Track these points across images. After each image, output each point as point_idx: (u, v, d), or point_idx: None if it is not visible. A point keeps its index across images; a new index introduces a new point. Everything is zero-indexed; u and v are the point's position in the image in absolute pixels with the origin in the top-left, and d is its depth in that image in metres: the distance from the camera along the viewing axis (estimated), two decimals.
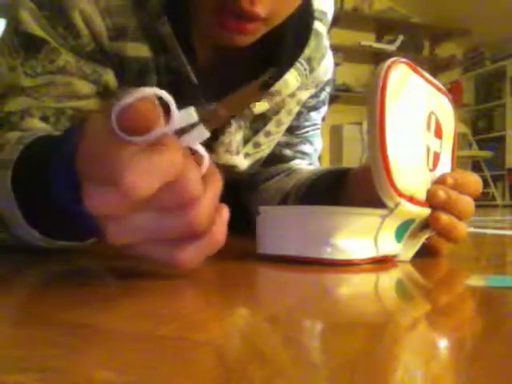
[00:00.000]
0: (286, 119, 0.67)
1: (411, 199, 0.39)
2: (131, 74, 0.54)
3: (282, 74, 0.60)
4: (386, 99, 0.37)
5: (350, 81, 4.66)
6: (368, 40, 4.69)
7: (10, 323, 0.22)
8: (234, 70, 0.59)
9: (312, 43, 0.61)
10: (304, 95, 0.67)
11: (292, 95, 0.64)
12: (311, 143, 0.75)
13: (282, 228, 0.40)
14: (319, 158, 0.80)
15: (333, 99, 4.53)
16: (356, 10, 4.61)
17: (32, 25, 0.49)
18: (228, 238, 0.30)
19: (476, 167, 4.47)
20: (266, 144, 0.66)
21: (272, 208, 0.44)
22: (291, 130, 0.71)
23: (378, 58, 4.75)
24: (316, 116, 0.74)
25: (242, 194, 0.74)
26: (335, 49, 4.59)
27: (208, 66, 0.58)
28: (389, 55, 4.61)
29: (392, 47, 4.70)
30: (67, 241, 0.41)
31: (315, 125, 0.75)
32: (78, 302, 0.26)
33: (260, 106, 0.61)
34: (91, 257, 0.43)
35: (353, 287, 0.33)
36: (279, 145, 0.70)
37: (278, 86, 0.60)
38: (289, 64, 0.60)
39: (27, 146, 0.40)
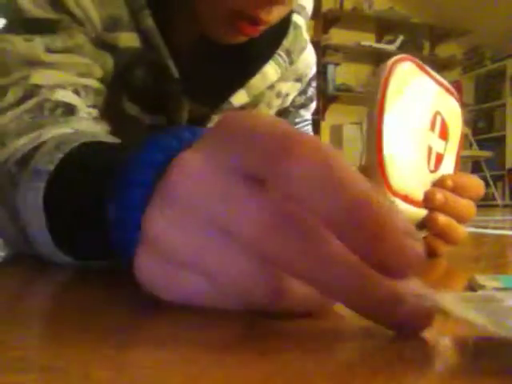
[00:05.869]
0: (266, 112, 0.66)
1: (406, 198, 0.38)
2: (120, 65, 0.53)
3: (260, 66, 0.59)
4: (387, 96, 0.37)
5: (350, 81, 4.67)
6: (368, 40, 4.70)
7: (9, 323, 0.22)
8: (215, 65, 0.59)
9: (290, 35, 0.62)
10: (284, 88, 0.66)
11: (271, 87, 0.63)
12: None
13: None
14: None
15: (333, 99, 4.53)
16: (356, 10, 4.61)
17: (38, 10, 0.47)
18: None
19: (476, 167, 4.47)
20: None
21: None
22: None
23: (378, 57, 4.75)
24: (305, 113, 0.75)
25: None
26: (335, 49, 4.61)
27: (190, 61, 0.57)
28: (389, 55, 4.61)
29: (392, 47, 4.70)
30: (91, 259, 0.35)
31: (306, 121, 0.75)
32: (77, 303, 0.26)
33: (239, 99, 0.60)
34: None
35: None
36: None
37: (256, 78, 0.60)
38: (267, 56, 0.60)
39: (68, 153, 0.34)
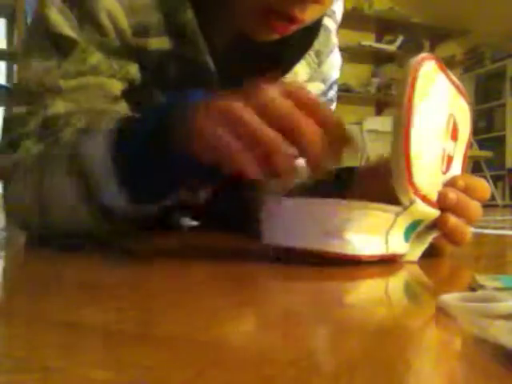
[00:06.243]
0: None
1: (424, 198, 0.39)
2: (151, 66, 0.55)
3: (292, 65, 0.62)
4: (415, 96, 0.37)
5: (350, 81, 4.66)
6: (368, 40, 4.69)
7: (10, 323, 0.22)
8: (249, 62, 0.60)
9: (321, 37, 0.64)
10: (312, 88, 0.68)
11: None
12: None
13: (290, 219, 0.40)
14: None
15: None
16: (356, 10, 4.60)
17: (62, 25, 0.50)
18: (228, 236, 0.30)
19: (476, 167, 4.47)
20: None
21: (281, 198, 0.42)
22: None
23: (377, 58, 4.74)
24: None
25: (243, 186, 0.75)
26: None
27: (225, 57, 0.59)
28: (389, 55, 4.62)
29: (392, 47, 4.70)
30: (150, 202, 0.43)
31: None
32: (77, 303, 0.26)
33: None
34: (91, 258, 0.43)
35: (361, 288, 0.33)
36: None
37: (288, 77, 0.62)
38: (299, 56, 0.62)
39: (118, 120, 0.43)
